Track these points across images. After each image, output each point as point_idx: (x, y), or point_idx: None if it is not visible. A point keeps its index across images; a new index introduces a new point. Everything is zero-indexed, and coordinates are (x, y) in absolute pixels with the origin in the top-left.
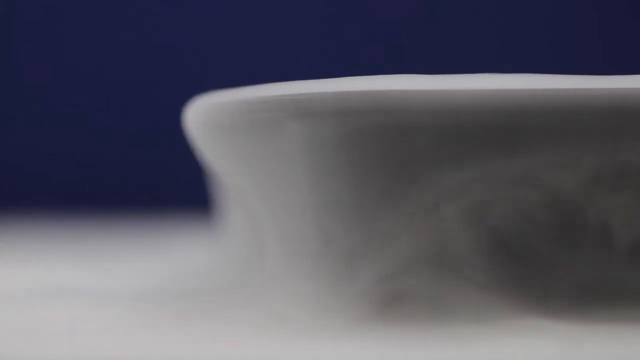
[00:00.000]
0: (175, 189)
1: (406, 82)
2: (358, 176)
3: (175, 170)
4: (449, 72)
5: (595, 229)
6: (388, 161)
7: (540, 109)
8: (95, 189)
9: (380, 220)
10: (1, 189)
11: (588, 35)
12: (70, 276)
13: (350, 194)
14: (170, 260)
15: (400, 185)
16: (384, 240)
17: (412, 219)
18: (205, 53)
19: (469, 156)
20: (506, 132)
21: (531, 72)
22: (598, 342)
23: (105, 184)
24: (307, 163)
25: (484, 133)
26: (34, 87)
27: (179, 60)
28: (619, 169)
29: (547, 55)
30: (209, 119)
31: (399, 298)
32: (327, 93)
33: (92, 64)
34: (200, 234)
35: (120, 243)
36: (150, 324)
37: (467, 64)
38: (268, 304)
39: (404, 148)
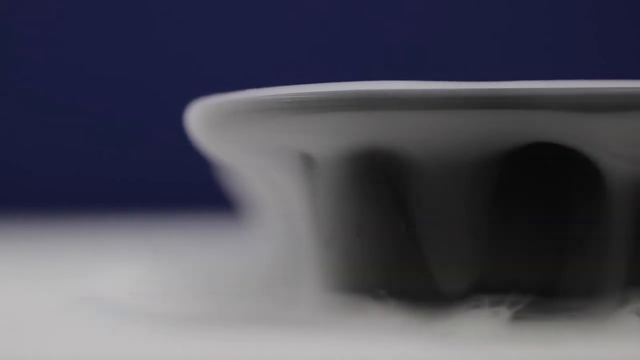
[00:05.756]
0: (175, 188)
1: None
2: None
3: (176, 171)
4: (449, 72)
5: None
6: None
7: None
8: (96, 188)
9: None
10: (1, 189)
11: (588, 36)
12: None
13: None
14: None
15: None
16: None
17: None
18: (206, 55)
19: None
20: None
21: (531, 73)
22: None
23: (106, 184)
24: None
25: None
26: (34, 87)
27: (180, 63)
28: None
29: (548, 55)
30: (210, 120)
31: None
32: (324, 93)
33: (92, 64)
34: (206, 232)
35: (124, 242)
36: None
37: (467, 65)
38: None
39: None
